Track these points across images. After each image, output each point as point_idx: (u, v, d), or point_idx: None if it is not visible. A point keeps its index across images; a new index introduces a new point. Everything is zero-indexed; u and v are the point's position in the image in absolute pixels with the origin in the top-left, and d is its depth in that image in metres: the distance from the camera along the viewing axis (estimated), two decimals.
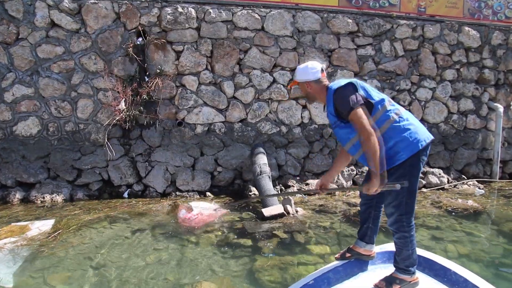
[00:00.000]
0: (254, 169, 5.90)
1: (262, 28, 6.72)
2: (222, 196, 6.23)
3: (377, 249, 2.97)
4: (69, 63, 6.22)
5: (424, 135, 2.52)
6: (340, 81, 2.58)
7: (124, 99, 5.96)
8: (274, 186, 6.32)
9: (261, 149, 6.35)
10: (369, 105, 2.49)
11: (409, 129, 2.48)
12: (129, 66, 6.34)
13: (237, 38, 6.62)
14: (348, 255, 2.90)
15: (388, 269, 2.77)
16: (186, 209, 5.15)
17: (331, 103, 2.56)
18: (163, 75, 6.37)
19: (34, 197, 5.75)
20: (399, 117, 2.50)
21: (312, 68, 2.66)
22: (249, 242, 4.21)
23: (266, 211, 4.99)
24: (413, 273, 2.60)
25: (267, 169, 5.88)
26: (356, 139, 2.50)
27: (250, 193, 6.13)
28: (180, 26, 6.40)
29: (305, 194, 6.37)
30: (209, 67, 6.62)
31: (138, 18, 6.33)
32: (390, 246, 2.91)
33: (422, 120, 7.47)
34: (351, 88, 2.50)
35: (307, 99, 2.95)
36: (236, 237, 4.37)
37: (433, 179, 7.01)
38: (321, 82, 2.66)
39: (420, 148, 2.46)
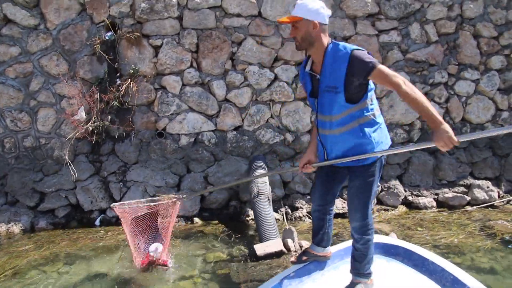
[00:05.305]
0: (251, 188, 5.08)
1: (259, 14, 5.80)
2: (214, 222, 5.36)
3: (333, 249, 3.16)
4: (27, 66, 5.53)
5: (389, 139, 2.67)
6: (349, 44, 2.47)
7: (83, 106, 5.16)
8: (278, 208, 5.47)
9: (261, 163, 5.47)
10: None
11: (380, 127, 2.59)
12: (97, 66, 5.58)
13: (228, 28, 5.75)
14: (304, 258, 3.03)
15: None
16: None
17: (344, 62, 2.37)
18: (138, 76, 5.59)
19: None
20: (373, 119, 2.52)
21: (324, 8, 2.46)
22: None
23: (259, 249, 4.07)
24: (371, 274, 2.78)
25: (266, 188, 5.02)
26: (356, 109, 2.45)
27: (247, 218, 5.31)
28: (158, 16, 5.58)
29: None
30: (194, 64, 5.79)
31: (107, 8, 5.56)
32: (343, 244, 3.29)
33: (463, 120, 6.40)
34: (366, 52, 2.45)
35: (298, 44, 2.53)
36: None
37: (480, 194, 5.85)
38: (325, 30, 2.50)
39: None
